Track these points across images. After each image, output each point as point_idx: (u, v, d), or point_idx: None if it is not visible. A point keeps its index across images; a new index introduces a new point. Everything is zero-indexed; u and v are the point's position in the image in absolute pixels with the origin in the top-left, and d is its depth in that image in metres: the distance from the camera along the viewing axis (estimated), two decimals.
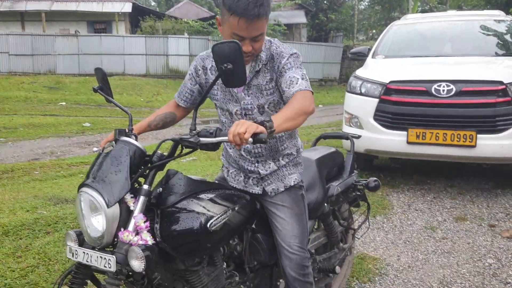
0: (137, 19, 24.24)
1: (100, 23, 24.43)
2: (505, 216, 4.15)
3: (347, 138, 2.93)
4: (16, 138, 8.87)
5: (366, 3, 33.81)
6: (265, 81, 1.85)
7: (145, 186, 1.60)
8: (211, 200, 1.74)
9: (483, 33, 5.68)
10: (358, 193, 2.76)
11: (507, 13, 8.06)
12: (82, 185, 1.56)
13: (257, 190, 1.99)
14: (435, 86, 4.43)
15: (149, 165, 1.66)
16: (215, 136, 1.56)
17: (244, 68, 1.54)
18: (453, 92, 4.37)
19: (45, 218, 3.63)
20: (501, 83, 4.33)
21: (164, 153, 1.71)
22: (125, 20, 24.43)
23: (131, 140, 1.65)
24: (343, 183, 2.57)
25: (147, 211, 1.64)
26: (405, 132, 4.50)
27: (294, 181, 2.02)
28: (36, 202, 4.15)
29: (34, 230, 3.45)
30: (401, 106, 4.62)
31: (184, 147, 1.65)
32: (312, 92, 1.79)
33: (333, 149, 2.70)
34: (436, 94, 4.41)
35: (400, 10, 27.00)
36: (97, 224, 1.52)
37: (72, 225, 3.56)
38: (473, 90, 4.38)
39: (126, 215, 1.55)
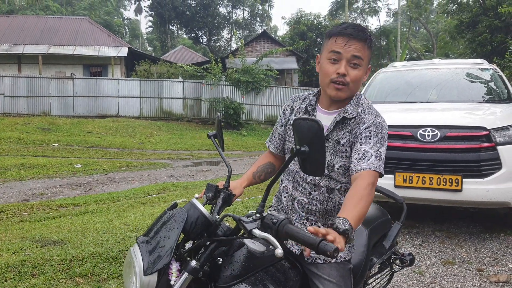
0: (132, 63, 24.76)
1: (96, 67, 24.94)
2: (493, 261, 4.16)
3: (401, 203, 2.58)
4: (7, 178, 8.84)
5: None
6: (343, 141, 1.69)
7: (193, 263, 1.41)
8: None
9: (468, 81, 5.87)
10: (388, 264, 2.52)
11: (491, 62, 8.35)
12: (139, 237, 1.48)
13: (296, 249, 1.80)
14: (421, 131, 4.55)
15: (205, 235, 1.50)
16: (277, 228, 1.28)
17: (323, 154, 1.27)
18: (438, 137, 4.48)
19: (32, 260, 3.60)
20: (484, 129, 4.44)
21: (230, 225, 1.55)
22: (121, 64, 24.96)
23: (198, 205, 1.50)
24: (382, 258, 2.31)
25: (200, 284, 1.51)
26: (392, 176, 4.57)
27: (337, 258, 1.76)
28: (23, 243, 4.12)
29: (20, 272, 3.41)
30: (388, 150, 4.68)
31: None
32: (381, 174, 1.58)
33: (382, 212, 2.49)
34: (422, 139, 4.52)
35: (389, 58, 27.87)
36: (131, 285, 1.40)
37: (59, 268, 3.53)
38: (458, 135, 4.49)
39: (165, 287, 1.40)
